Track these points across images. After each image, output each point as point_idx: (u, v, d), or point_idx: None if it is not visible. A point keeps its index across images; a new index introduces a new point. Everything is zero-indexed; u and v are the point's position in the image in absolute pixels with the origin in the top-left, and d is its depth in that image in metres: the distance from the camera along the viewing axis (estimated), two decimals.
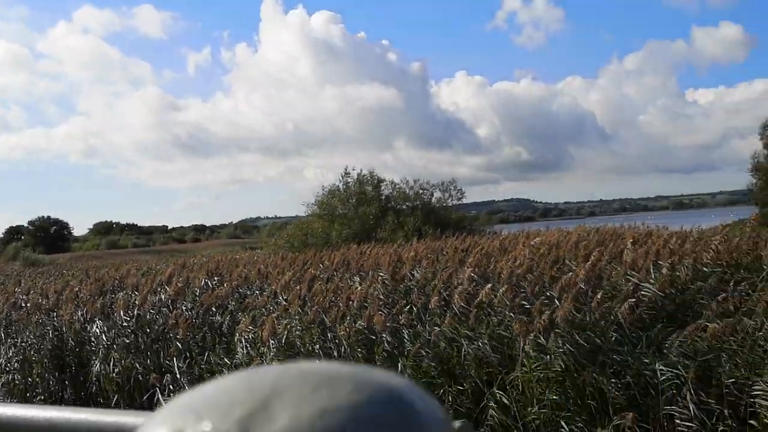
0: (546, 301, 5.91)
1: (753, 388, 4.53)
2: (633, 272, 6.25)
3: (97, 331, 7.98)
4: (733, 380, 4.67)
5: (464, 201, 29.65)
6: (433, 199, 27.10)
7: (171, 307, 8.34)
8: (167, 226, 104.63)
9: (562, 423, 4.92)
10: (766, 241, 6.76)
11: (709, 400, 4.66)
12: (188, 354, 7.15)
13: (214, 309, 8.00)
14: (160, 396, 6.60)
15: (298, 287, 7.88)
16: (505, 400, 5.25)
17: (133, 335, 7.71)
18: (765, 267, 6.10)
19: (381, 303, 6.97)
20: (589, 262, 6.08)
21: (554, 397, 5.09)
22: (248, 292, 8.75)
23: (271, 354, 6.29)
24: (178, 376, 6.76)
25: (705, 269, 6.15)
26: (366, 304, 6.88)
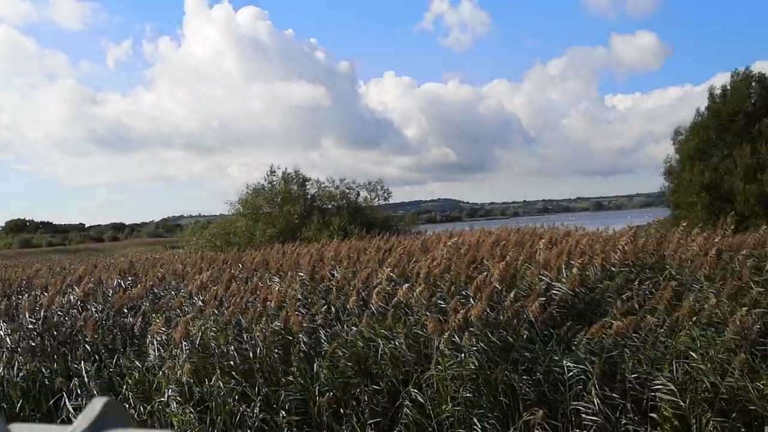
0: (462, 300, 6.01)
1: (654, 382, 4.73)
2: (546, 272, 6.43)
3: (1, 333, 7.62)
4: (635, 375, 4.86)
5: (391, 201, 29.91)
6: (360, 199, 27.20)
7: (80, 308, 8.05)
8: (84, 225, 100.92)
9: (475, 420, 5.01)
10: (670, 241, 7.08)
11: (614, 395, 4.84)
12: (97, 357, 6.93)
13: (126, 310, 7.77)
14: (67, 401, 6.36)
15: (215, 288, 7.75)
16: (420, 399, 5.32)
17: (39, 338, 7.41)
18: (668, 266, 6.39)
19: (299, 303, 6.93)
20: (504, 262, 6.21)
21: (468, 394, 5.19)
22: (163, 293, 8.54)
23: (184, 356, 6.15)
24: (86, 380, 6.54)
25: (612, 269, 6.39)
26: (284, 305, 6.82)
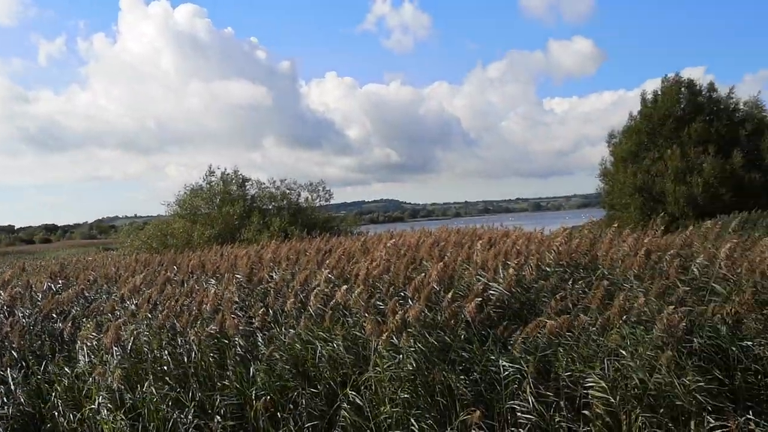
0: (400, 302, 6.03)
1: (586, 380, 4.84)
2: (483, 272, 6.51)
3: None
4: (569, 373, 4.96)
5: (333, 201, 29.84)
6: (301, 200, 27.06)
7: (7, 313, 7.74)
8: (14, 226, 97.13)
9: (413, 421, 5.03)
10: (602, 242, 7.26)
11: (548, 393, 4.93)
12: (24, 364, 6.67)
13: (55, 315, 7.51)
14: None
15: (149, 291, 7.57)
16: (359, 401, 5.31)
17: None
18: (600, 266, 6.56)
19: (236, 306, 6.83)
20: (443, 263, 6.26)
21: (406, 395, 5.20)
22: (95, 297, 8.29)
23: (115, 362, 5.99)
24: (12, 388, 6.29)
25: (547, 269, 6.52)
26: (220, 308, 6.72)
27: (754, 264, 5.69)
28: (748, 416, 4.49)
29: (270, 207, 26.10)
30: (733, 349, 4.95)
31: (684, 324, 4.79)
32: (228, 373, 5.86)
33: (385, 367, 5.33)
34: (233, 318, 6.16)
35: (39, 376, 6.43)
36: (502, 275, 6.38)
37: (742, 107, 31.91)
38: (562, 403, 4.88)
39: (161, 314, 6.61)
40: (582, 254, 6.86)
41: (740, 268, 5.83)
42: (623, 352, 4.88)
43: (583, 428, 4.71)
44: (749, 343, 4.91)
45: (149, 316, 6.83)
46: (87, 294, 8.44)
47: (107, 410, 5.65)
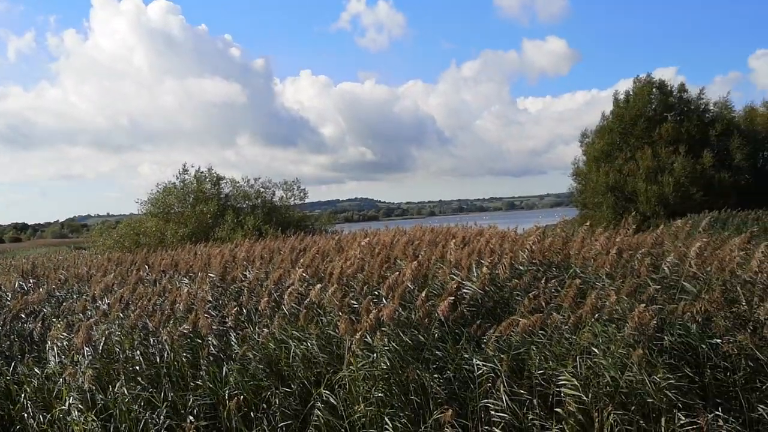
0: (374, 300, 6.02)
1: (559, 378, 4.87)
2: (457, 271, 6.52)
3: None
4: (542, 371, 4.99)
5: (308, 200, 29.69)
6: (275, 198, 26.91)
7: None
8: None
9: (387, 420, 5.03)
10: (575, 241, 7.32)
11: (521, 391, 4.95)
12: None
13: (24, 315, 7.38)
14: None
15: (120, 290, 7.47)
16: (332, 400, 5.29)
17: None
18: (572, 265, 6.61)
19: (209, 305, 6.78)
20: (417, 262, 6.26)
21: (380, 394, 5.19)
22: (65, 296, 8.17)
23: (87, 362, 5.90)
24: None
25: (521, 268, 6.55)
26: (193, 307, 6.66)
27: (724, 263, 5.77)
28: (717, 413, 4.55)
29: (244, 205, 25.94)
30: (703, 346, 5.01)
31: (655, 322, 4.84)
32: (201, 372, 5.80)
33: (359, 366, 5.32)
34: (206, 317, 6.11)
35: (8, 377, 6.32)
36: (475, 274, 6.41)
37: (712, 108, 32.43)
38: (535, 401, 4.91)
39: (133, 314, 6.53)
40: (555, 253, 6.91)
41: (710, 266, 5.91)
42: (595, 350, 4.92)
43: (556, 426, 4.74)
44: (718, 340, 4.97)
45: (121, 315, 6.75)
46: (58, 294, 8.31)
47: (78, 411, 5.57)
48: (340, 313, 5.81)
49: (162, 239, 22.30)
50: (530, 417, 4.83)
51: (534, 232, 7.41)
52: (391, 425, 4.98)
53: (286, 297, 6.28)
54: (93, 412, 5.46)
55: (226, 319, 6.34)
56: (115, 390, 5.62)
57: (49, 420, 5.72)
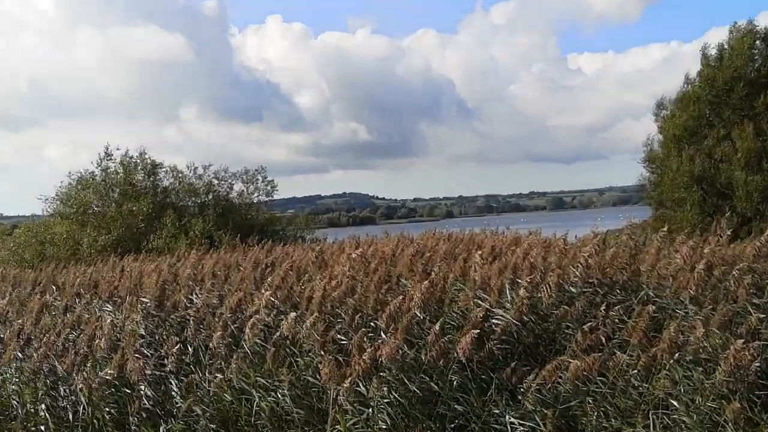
0: (369, 335, 6.04)
1: None
2: (484, 294, 6.54)
3: None
4: None
5: (278, 196, 29.69)
6: (233, 194, 26.93)
7: None
8: None
9: None
10: (647, 252, 7.33)
11: None
12: None
13: None
14: None
15: (19, 321, 7.51)
16: None
17: None
18: (644, 286, 6.62)
19: (141, 342, 6.80)
20: (428, 281, 6.28)
21: None
22: None
23: None
24: None
25: (572, 290, 6.57)
26: (119, 344, 6.68)
27: None
28: None
29: (190, 204, 25.95)
30: None
31: (757, 364, 4.86)
32: None
33: (348, 425, 5.34)
34: (137, 358, 6.13)
35: None
36: (509, 298, 6.42)
37: None
38: None
39: (37, 353, 6.56)
40: (619, 269, 6.92)
41: None
42: (675, 403, 4.94)
43: None
44: None
45: (20, 355, 6.77)
46: None
47: None
48: (322, 353, 5.83)
49: (76, 250, 22.32)
50: None
51: (590, 240, 7.43)
52: None
53: (247, 330, 6.29)
54: None
55: (165, 361, 6.36)
56: None
57: None
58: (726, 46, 32.35)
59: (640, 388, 5.19)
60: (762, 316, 5.67)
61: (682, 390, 5.01)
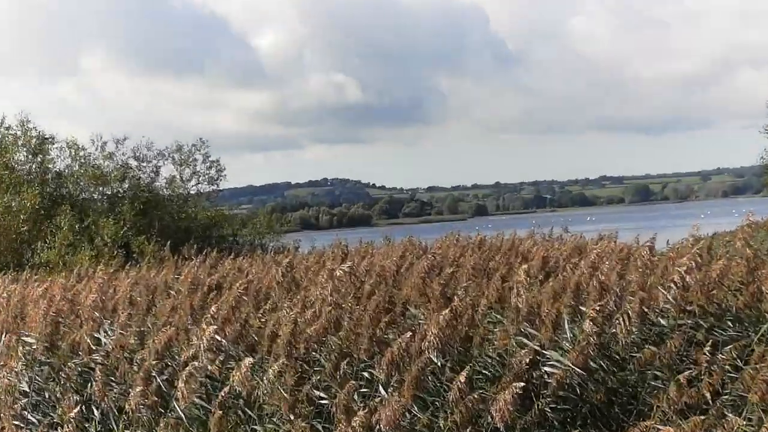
0: (362, 390, 6.04)
1: None
2: (531, 329, 6.54)
3: None
4: None
5: (227, 185, 29.81)
6: (160, 181, 26.98)
7: None
8: None
9: None
10: None
11: None
12: None
13: None
14: None
15: None
16: None
17: None
18: (767, 314, 6.60)
19: (24, 402, 6.81)
20: (449, 310, 6.27)
21: None
22: None
23: None
24: None
25: (662, 322, 6.56)
26: None
27: None
28: None
29: (96, 196, 25.96)
30: None
31: None
32: None
33: None
34: (17, 428, 6.13)
35: None
36: (569, 336, 6.42)
37: None
38: None
39: None
40: (732, 291, 6.92)
41: None
42: None
43: None
44: None
45: None
46: None
47: None
48: (292, 417, 5.84)
49: None
50: None
51: (689, 248, 7.42)
52: None
53: (181, 384, 6.29)
54: None
55: (59, 430, 6.36)
56: None
57: None
58: None
59: None
60: None
61: None
